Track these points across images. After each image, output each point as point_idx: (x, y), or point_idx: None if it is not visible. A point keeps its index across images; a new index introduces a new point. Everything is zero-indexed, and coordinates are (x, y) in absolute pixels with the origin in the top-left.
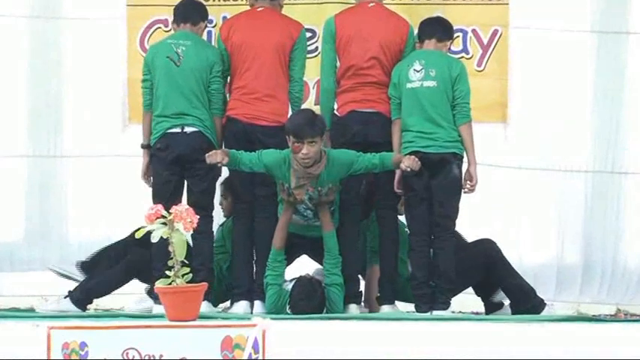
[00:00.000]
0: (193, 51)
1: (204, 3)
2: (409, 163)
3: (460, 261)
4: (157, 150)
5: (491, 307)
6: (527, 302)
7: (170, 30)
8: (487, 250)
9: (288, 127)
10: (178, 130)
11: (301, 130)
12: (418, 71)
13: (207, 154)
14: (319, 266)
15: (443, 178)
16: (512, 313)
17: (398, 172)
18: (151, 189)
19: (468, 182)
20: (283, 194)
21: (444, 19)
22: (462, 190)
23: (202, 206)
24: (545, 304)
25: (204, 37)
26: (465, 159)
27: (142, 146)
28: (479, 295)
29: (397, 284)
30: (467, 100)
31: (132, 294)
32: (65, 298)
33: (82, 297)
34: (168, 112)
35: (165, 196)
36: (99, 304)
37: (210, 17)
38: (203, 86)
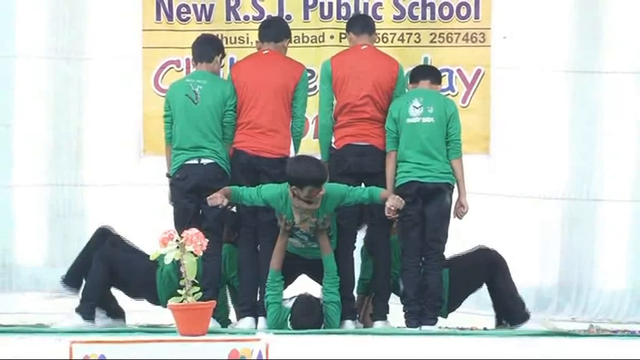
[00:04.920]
0: (209, 89)
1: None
2: (393, 202)
3: (464, 269)
4: (176, 180)
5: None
6: (517, 312)
7: (182, 69)
8: (492, 256)
9: (289, 173)
10: (195, 161)
11: (302, 180)
12: (417, 108)
13: (208, 197)
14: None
15: (437, 205)
16: (497, 323)
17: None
18: (161, 213)
19: (460, 210)
20: (281, 222)
21: (434, 67)
22: (454, 217)
23: (214, 231)
24: (529, 317)
25: None
26: (456, 189)
27: (167, 175)
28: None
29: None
30: (459, 137)
31: (143, 311)
32: (76, 312)
33: (84, 306)
34: (185, 145)
35: (186, 221)
36: None
37: None
38: (219, 121)
